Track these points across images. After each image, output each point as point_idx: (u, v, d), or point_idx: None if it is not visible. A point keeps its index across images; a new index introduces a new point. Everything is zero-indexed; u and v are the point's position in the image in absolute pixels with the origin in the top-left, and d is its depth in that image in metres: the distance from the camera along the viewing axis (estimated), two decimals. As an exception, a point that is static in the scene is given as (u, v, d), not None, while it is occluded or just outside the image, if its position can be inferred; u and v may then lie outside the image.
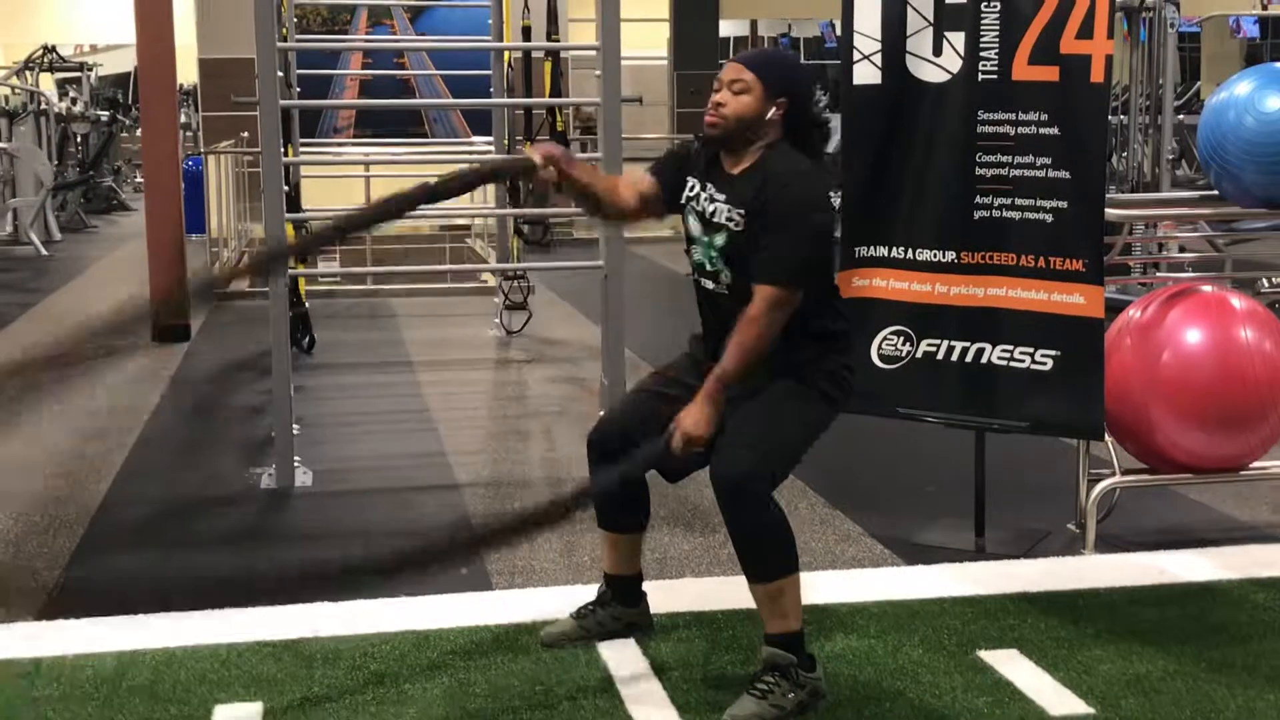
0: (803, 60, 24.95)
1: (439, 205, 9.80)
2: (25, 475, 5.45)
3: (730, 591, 4.08)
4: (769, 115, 3.38)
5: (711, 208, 3.44)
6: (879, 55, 4.44)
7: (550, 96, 7.99)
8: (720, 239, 3.42)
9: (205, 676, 3.52)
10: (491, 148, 8.92)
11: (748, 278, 3.35)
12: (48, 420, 6.33)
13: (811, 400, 3.44)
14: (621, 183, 3.67)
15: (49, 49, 16.90)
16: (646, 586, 3.79)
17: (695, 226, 3.50)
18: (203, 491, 5.31)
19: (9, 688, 3.46)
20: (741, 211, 3.38)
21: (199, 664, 3.58)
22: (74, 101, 17.36)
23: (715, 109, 3.40)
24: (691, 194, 3.51)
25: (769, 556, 3.35)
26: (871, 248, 4.49)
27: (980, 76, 4.29)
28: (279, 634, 3.74)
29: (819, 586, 4.15)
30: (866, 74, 4.47)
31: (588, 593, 3.84)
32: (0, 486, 5.29)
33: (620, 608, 3.73)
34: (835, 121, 14.09)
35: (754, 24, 22.28)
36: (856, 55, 4.48)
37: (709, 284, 3.50)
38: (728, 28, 20.40)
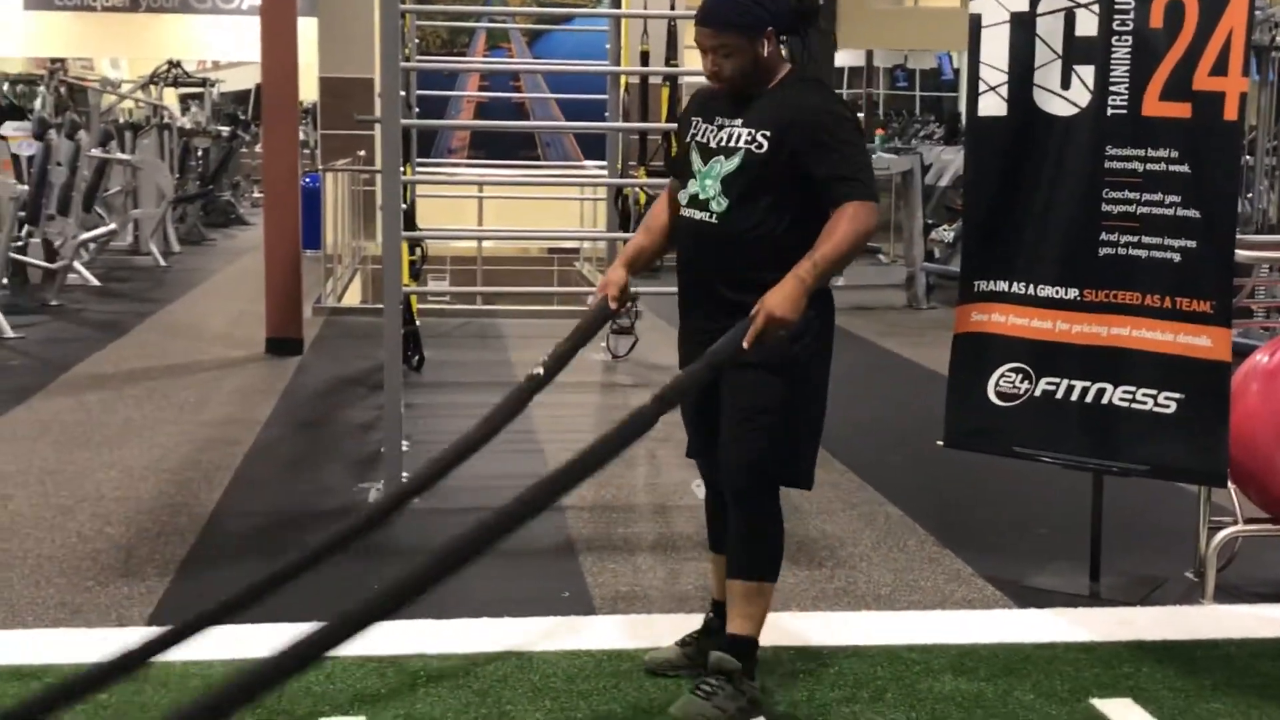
0: (918, 92, 24.84)
1: (547, 229, 9.70)
2: (140, 481, 5.54)
3: (836, 627, 4.05)
4: (766, 51, 3.33)
5: (721, 134, 3.37)
6: (1005, 87, 4.37)
7: (667, 121, 7.98)
8: (732, 163, 3.33)
9: (310, 690, 3.53)
10: (605, 172, 8.95)
11: (744, 207, 3.30)
12: (162, 428, 6.44)
13: (812, 374, 3.41)
14: (662, 209, 3.63)
15: (174, 64, 17.30)
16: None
17: (696, 160, 3.42)
18: (311, 504, 5.35)
19: (120, 693, 3.50)
20: (767, 133, 3.30)
21: (305, 677, 3.58)
22: (196, 116, 17.75)
23: (714, 75, 3.38)
24: (695, 130, 3.46)
25: (756, 554, 3.45)
26: (991, 282, 4.41)
27: (1110, 111, 4.20)
28: (384, 650, 3.74)
29: (927, 626, 4.09)
30: (992, 106, 4.40)
31: (691, 621, 3.80)
32: (116, 492, 5.38)
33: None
34: (951, 155, 13.84)
35: (869, 54, 22.19)
36: (982, 87, 4.41)
37: (696, 214, 3.39)
38: (843, 57, 20.36)
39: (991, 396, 4.41)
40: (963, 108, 21.56)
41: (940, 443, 4.57)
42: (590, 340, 3.58)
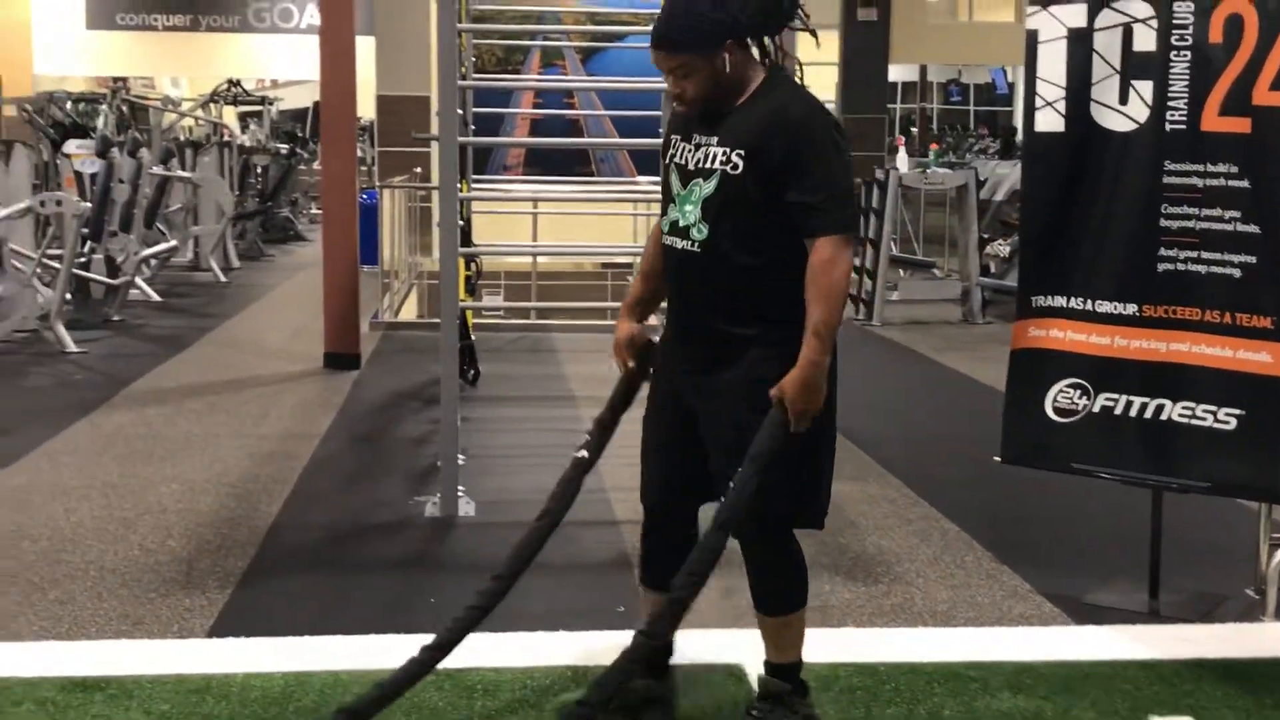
0: (972, 107, 24.73)
1: (601, 245, 9.63)
2: (201, 495, 5.60)
3: (893, 643, 4.03)
4: (728, 67, 3.11)
5: (699, 154, 3.17)
6: (1062, 103, 4.36)
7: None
8: (709, 186, 3.13)
9: (369, 701, 3.55)
10: (657, 187, 8.97)
11: (726, 233, 3.11)
12: (223, 442, 6.51)
13: (820, 414, 3.17)
14: (655, 249, 3.43)
15: (234, 83, 17.48)
16: (806, 635, 3.71)
17: (675, 183, 3.22)
18: (369, 517, 5.40)
19: (181, 704, 3.54)
20: (741, 152, 3.09)
21: (363, 689, 3.61)
22: (255, 134, 17.94)
23: (679, 99, 3.16)
24: (674, 150, 3.25)
25: (783, 592, 3.33)
26: (1049, 297, 4.40)
27: (1168, 126, 4.18)
28: (442, 662, 3.76)
29: (985, 643, 4.07)
30: (1049, 121, 4.38)
31: (746, 637, 3.78)
32: (177, 505, 5.44)
33: (648, 680, 3.44)
34: (1006, 169, 13.78)
35: (923, 69, 22.14)
36: (1039, 102, 4.40)
37: (677, 243, 3.20)
38: (897, 72, 20.31)
39: (1050, 412, 4.40)
40: (1018, 122, 21.48)
41: (997, 458, 4.55)
42: (629, 407, 3.49)
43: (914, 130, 22.24)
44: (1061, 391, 4.38)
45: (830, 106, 19.95)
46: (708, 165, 3.15)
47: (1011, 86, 23.72)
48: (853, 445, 6.52)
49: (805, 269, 3.09)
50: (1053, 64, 4.37)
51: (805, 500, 3.29)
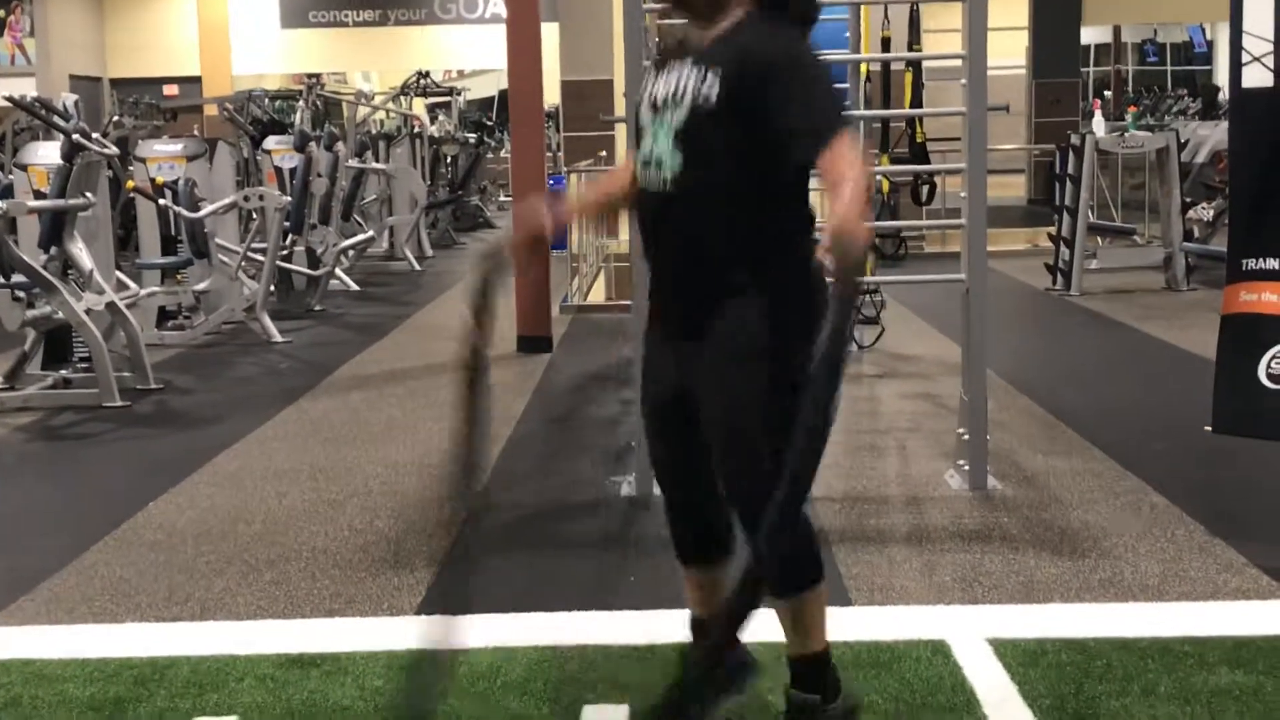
0: (1169, 67, 23.90)
1: None
2: (405, 476, 5.75)
3: (1103, 618, 3.94)
4: None
5: (671, 80, 2.85)
6: (1271, 57, 4.19)
7: (911, 107, 7.89)
8: (681, 114, 2.80)
9: (575, 677, 3.61)
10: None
11: (699, 162, 2.78)
12: (424, 425, 6.67)
13: (790, 369, 2.76)
14: (621, 175, 3.16)
15: (423, 75, 17.83)
16: (1012, 611, 3.66)
17: (646, 116, 2.91)
18: (567, 497, 5.47)
19: (393, 679, 3.64)
20: (718, 69, 2.76)
21: (568, 664, 3.68)
22: (444, 125, 18.28)
23: None
24: (643, 90, 2.95)
25: (791, 564, 2.86)
26: (1261, 260, 4.24)
27: (1387, 76, 3.99)
28: (643, 638, 3.81)
29: (1200, 617, 3.95)
30: (1257, 77, 4.22)
31: (949, 612, 3.74)
32: (383, 487, 5.59)
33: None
34: (1207, 130, 13.30)
35: (1117, 29, 21.48)
36: (1246, 57, 4.24)
37: (649, 177, 2.87)
38: (1089, 34, 19.74)
39: (1263, 379, 4.24)
40: (1218, 80, 20.68)
41: (1208, 428, 4.41)
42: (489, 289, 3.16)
43: (1108, 93, 21.61)
44: (1275, 358, 4.22)
45: (1020, 72, 19.42)
46: (679, 89, 2.82)
47: (1210, 44, 22.86)
48: (1055, 419, 6.38)
49: (794, 205, 2.83)
50: (1260, 17, 4.21)
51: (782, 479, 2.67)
